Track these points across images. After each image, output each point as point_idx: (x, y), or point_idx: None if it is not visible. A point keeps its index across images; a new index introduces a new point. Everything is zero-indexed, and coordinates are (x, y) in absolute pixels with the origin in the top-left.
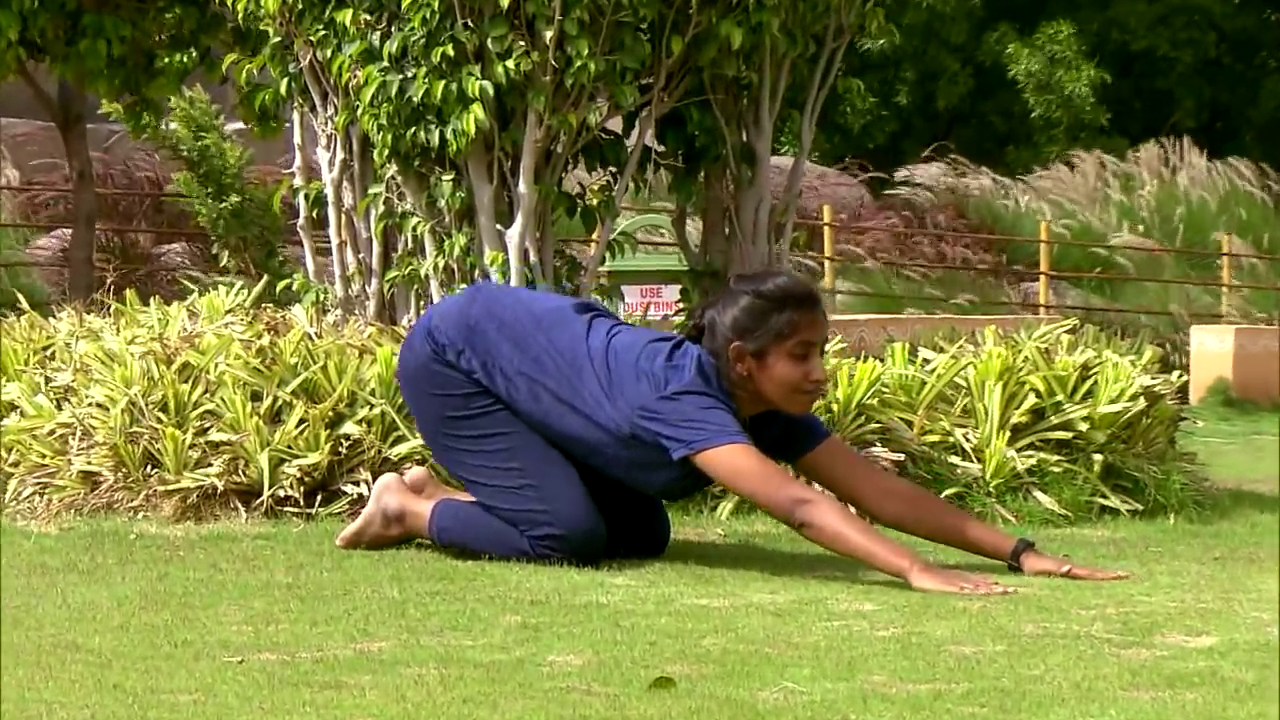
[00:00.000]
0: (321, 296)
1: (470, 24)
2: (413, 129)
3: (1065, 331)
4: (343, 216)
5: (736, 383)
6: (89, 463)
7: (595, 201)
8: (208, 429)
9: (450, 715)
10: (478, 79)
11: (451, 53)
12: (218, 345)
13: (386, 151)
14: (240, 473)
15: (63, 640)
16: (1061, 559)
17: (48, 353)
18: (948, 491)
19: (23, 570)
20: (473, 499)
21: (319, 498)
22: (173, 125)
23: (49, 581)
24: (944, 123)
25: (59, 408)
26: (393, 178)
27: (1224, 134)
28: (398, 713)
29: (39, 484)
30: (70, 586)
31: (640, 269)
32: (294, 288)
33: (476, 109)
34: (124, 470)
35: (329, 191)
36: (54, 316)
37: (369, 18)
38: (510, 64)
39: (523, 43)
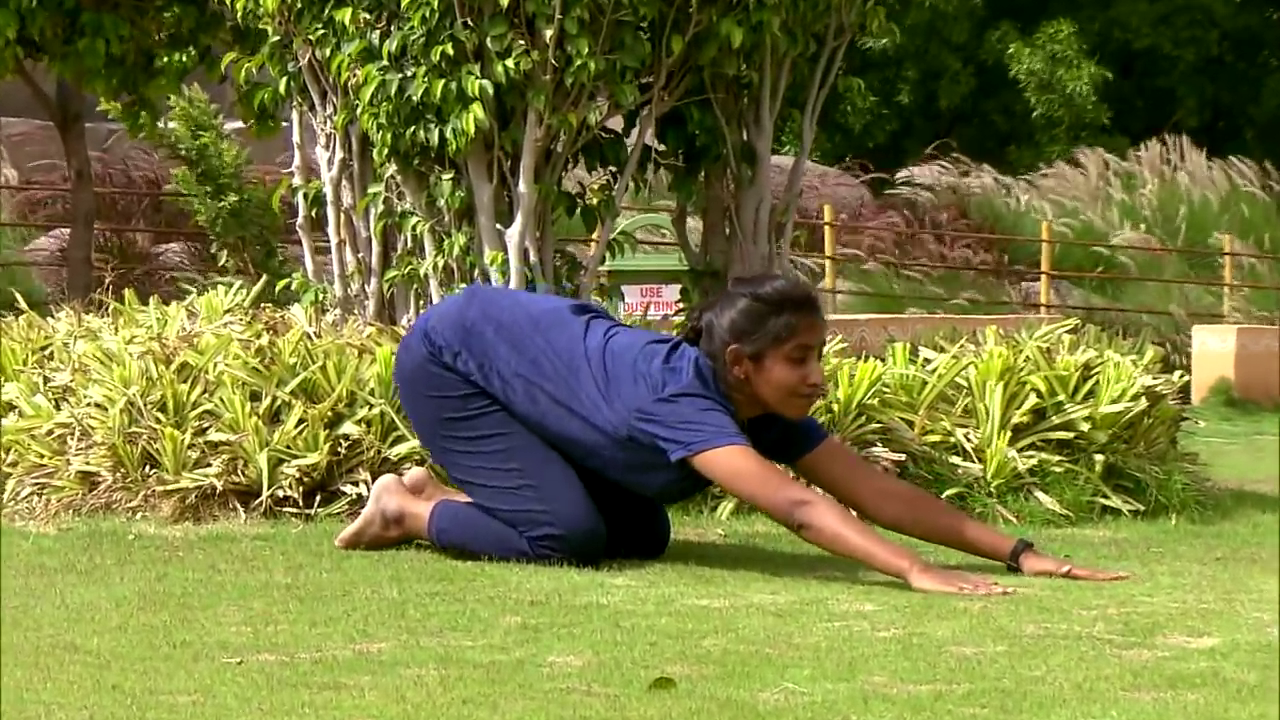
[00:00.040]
0: (321, 296)
1: (470, 23)
2: (412, 128)
3: (1066, 331)
4: (342, 216)
5: (734, 385)
6: (87, 463)
7: (595, 201)
8: (206, 429)
9: (450, 716)
10: (477, 78)
11: (451, 52)
12: (216, 345)
13: (386, 151)
14: (239, 473)
15: (61, 641)
16: (1061, 559)
17: (46, 352)
18: (949, 492)
19: (21, 571)
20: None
21: (318, 498)
22: (172, 124)
23: (47, 582)
24: (945, 122)
25: (57, 408)
26: (392, 177)
27: (1226, 133)
28: (397, 713)
29: (37, 484)
30: (69, 587)
31: (640, 269)
32: (293, 287)
33: (476, 108)
34: (122, 470)
35: (328, 191)
36: (52, 316)
37: (368, 16)
38: (510, 63)
39: (522, 42)
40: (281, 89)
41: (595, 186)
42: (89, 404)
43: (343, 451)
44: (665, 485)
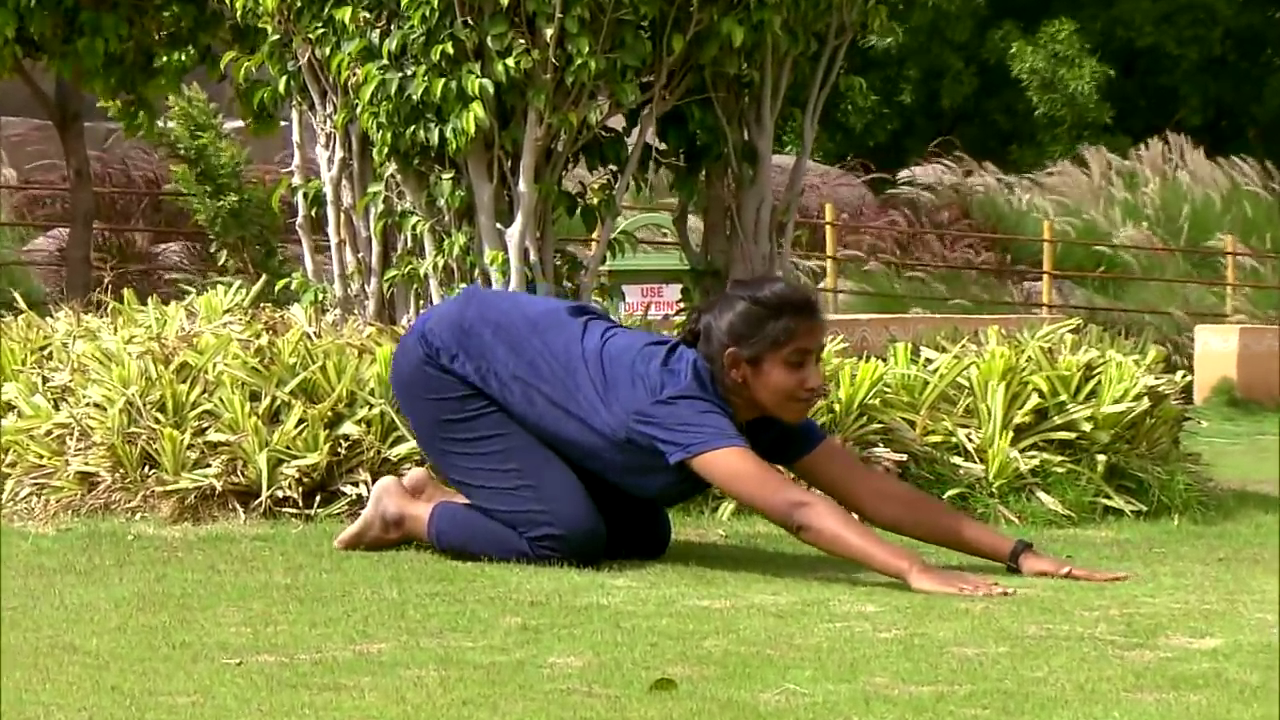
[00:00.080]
0: (320, 296)
1: (470, 22)
2: (412, 127)
3: (1069, 331)
4: (342, 215)
5: (731, 389)
6: (86, 463)
7: (596, 200)
8: (206, 429)
9: (450, 717)
10: (477, 77)
11: (451, 51)
12: (216, 345)
13: (386, 150)
14: (239, 473)
15: (60, 642)
16: (1061, 560)
17: (45, 352)
18: (950, 492)
19: (20, 571)
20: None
21: (318, 498)
22: (171, 124)
23: (46, 583)
24: (948, 121)
25: (56, 408)
26: (392, 176)
27: (1229, 132)
28: (397, 715)
29: (36, 484)
30: (68, 588)
31: (641, 268)
32: (293, 287)
33: (476, 107)
34: (122, 471)
35: (328, 190)
36: (51, 316)
37: (368, 15)
38: (510, 62)
39: (523, 41)
40: (281, 88)
41: (596, 186)
42: (88, 404)
43: (342, 452)
44: (664, 488)
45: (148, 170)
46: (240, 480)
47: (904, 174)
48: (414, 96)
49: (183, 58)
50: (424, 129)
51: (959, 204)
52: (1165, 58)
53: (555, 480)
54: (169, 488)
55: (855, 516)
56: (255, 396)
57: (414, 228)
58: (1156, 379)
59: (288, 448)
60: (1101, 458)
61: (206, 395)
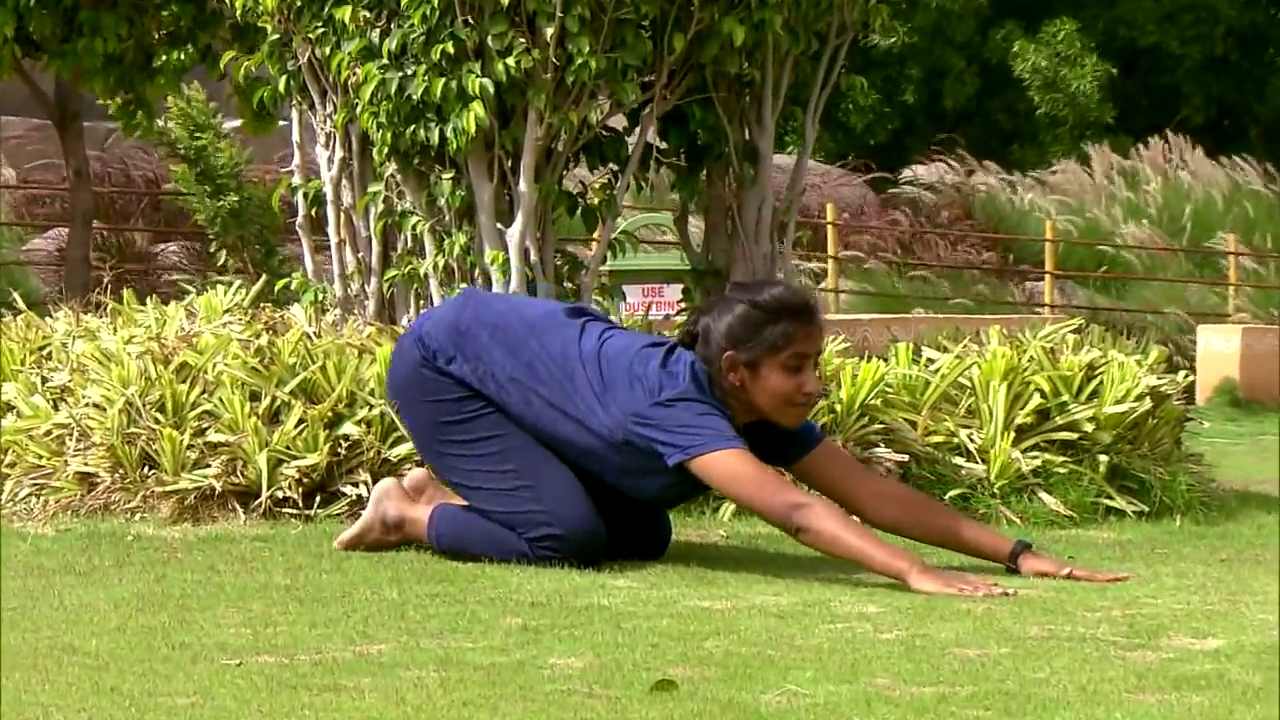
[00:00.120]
0: (320, 296)
1: (470, 21)
2: (412, 127)
3: (1071, 331)
4: (342, 215)
5: (729, 392)
6: (86, 463)
7: (596, 200)
8: (205, 429)
9: (450, 718)
10: (478, 76)
11: (451, 50)
12: (216, 345)
13: (386, 150)
14: (238, 474)
15: (59, 642)
16: (1061, 560)
17: (44, 352)
18: (952, 492)
19: (19, 572)
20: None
21: (318, 499)
22: (170, 124)
23: (46, 583)
24: (950, 121)
25: (56, 408)
26: (392, 176)
27: (1231, 131)
28: (397, 715)
29: (35, 485)
30: (67, 588)
31: (642, 268)
32: (293, 287)
33: (476, 107)
34: (121, 471)
35: (328, 190)
36: (50, 316)
37: (368, 15)
38: (511, 61)
39: (523, 40)
40: (281, 87)
41: (596, 185)
42: (87, 404)
43: (342, 452)
44: (662, 489)
45: (147, 170)
46: (240, 481)
47: (905, 173)
48: (414, 96)
49: (182, 57)
50: (424, 128)
51: (961, 204)
52: (1167, 57)
53: (554, 480)
54: (169, 488)
55: (855, 518)
56: (255, 397)
57: (414, 227)
58: (1158, 379)
59: (287, 448)
60: (1103, 458)
61: (206, 395)
